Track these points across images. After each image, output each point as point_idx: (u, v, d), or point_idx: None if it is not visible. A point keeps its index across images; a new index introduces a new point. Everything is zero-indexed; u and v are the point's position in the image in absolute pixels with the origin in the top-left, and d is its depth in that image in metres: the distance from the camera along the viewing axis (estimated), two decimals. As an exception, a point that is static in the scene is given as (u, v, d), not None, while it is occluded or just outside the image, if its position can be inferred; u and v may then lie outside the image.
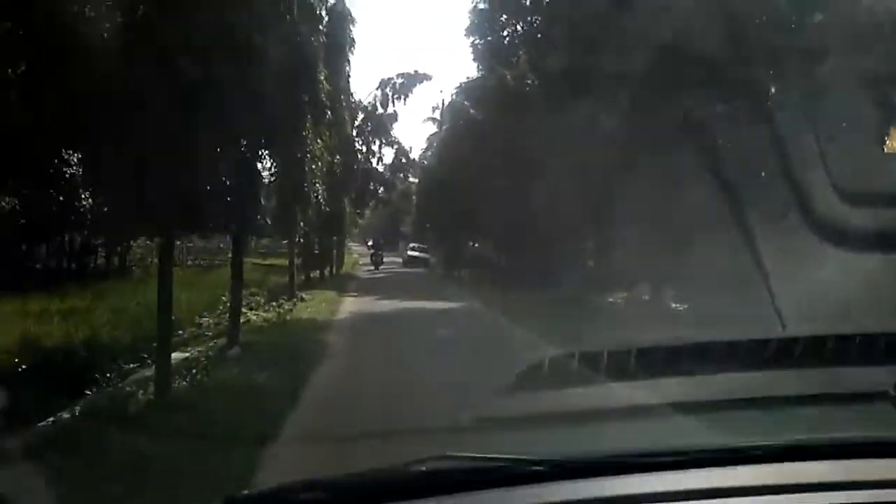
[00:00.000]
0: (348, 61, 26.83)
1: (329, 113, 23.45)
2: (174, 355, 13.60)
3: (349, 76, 27.34)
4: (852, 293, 8.96)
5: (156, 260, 38.62)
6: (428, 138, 51.84)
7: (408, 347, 12.19)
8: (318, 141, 22.96)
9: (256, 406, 7.89)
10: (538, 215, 27.96)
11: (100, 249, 35.23)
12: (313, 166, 21.03)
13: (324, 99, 22.31)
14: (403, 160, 35.42)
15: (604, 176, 16.32)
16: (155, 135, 8.30)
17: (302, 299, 19.85)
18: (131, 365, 14.24)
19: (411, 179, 61.87)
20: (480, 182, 28.99)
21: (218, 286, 26.37)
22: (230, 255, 45.79)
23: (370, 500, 1.53)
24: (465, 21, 31.69)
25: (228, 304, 19.86)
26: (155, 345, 14.90)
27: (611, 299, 26.54)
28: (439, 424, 6.26)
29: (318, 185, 22.92)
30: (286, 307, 18.25)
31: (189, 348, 14.23)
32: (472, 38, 34.54)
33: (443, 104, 53.69)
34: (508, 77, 27.13)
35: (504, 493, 1.56)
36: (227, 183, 11.64)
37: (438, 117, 49.28)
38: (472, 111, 28.55)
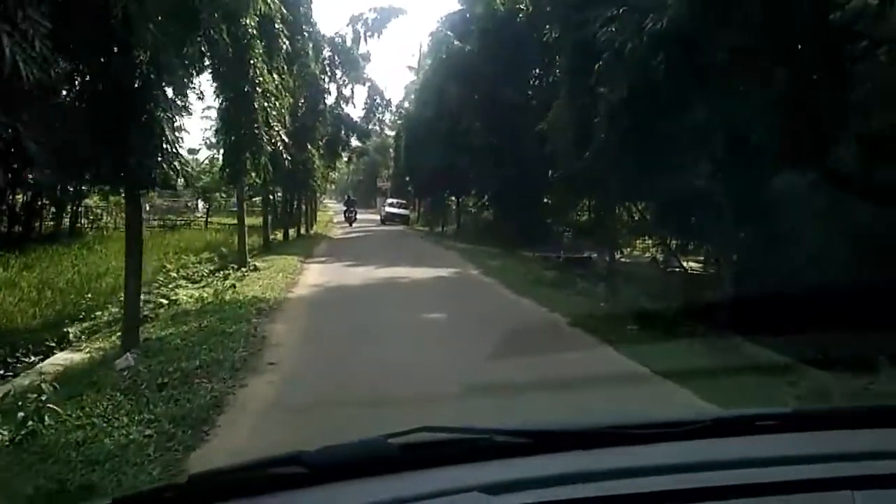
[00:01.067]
0: (310, -18, 22.30)
1: (286, 43, 19.08)
2: (56, 359, 9.58)
3: (311, 2, 22.80)
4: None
5: (115, 219, 34.46)
6: (406, 87, 47.35)
7: (388, 350, 8.02)
8: (274, 76, 18.64)
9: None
10: (531, 165, 23.94)
11: (45, 211, 31.38)
12: (266, 104, 16.69)
13: (277, 25, 18.03)
14: (378, 100, 30.61)
15: (610, 120, 11.99)
16: None
17: (255, 268, 15.66)
18: (31, 358, 10.59)
19: (388, 132, 57.55)
20: (467, 129, 24.75)
21: (171, 250, 22.33)
22: (199, 216, 41.25)
23: (349, 475, 1.40)
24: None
25: (160, 276, 15.83)
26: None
27: (615, 258, 22.91)
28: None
29: (276, 128, 18.62)
30: (231, 280, 14.08)
31: (84, 345, 10.26)
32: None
33: (421, 50, 49.02)
34: (498, 1, 22.63)
35: (486, 466, 1.44)
36: (100, 116, 7.50)
37: (416, 65, 44.80)
38: (457, 43, 24.00)
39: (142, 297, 12.81)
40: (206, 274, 16.12)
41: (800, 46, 8.34)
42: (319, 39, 24.81)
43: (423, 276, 15.32)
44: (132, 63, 7.44)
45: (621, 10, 9.67)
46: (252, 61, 15.26)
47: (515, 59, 21.99)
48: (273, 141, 18.39)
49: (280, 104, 19.01)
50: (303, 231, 30.34)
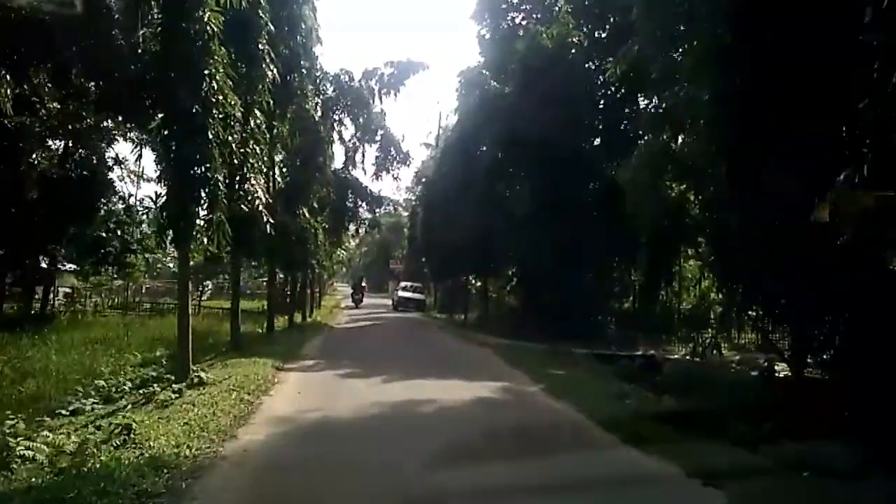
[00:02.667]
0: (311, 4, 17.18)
1: (273, 71, 13.79)
2: None
3: (317, 33, 17.61)
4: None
5: (91, 302, 29.03)
6: (423, 162, 42.37)
7: None
8: (257, 113, 13.33)
9: None
10: (583, 235, 18.46)
11: (9, 292, 26.26)
12: (232, 139, 11.18)
13: (261, 45, 12.85)
14: (393, 152, 24.77)
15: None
16: None
17: (197, 381, 9.75)
18: None
19: (402, 212, 52.45)
20: (504, 193, 19.31)
21: (135, 342, 16.88)
22: (194, 300, 35.64)
23: None
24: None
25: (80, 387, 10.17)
26: None
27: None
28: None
29: (252, 180, 13.14)
30: (151, 406, 8.29)
31: None
32: (479, 26, 25.17)
33: (440, 121, 44.24)
34: (544, 35, 17.37)
35: None
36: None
37: (434, 140, 39.97)
38: (494, 84, 18.68)
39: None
40: (131, 387, 10.26)
41: None
42: (321, 77, 19.52)
43: (460, 398, 9.35)
44: None
45: None
46: (206, 71, 9.83)
47: (568, 102, 16.69)
48: (250, 197, 12.89)
49: (260, 150, 13.60)
50: (301, 318, 24.38)
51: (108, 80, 14.79)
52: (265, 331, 17.84)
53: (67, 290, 36.53)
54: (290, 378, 10.93)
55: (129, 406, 8.74)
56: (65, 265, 31.90)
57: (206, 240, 10.31)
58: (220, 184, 10.19)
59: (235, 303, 14.77)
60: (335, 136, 22.32)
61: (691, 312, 25.61)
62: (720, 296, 26.55)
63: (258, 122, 13.45)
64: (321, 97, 19.68)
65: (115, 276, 35.97)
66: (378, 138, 23.52)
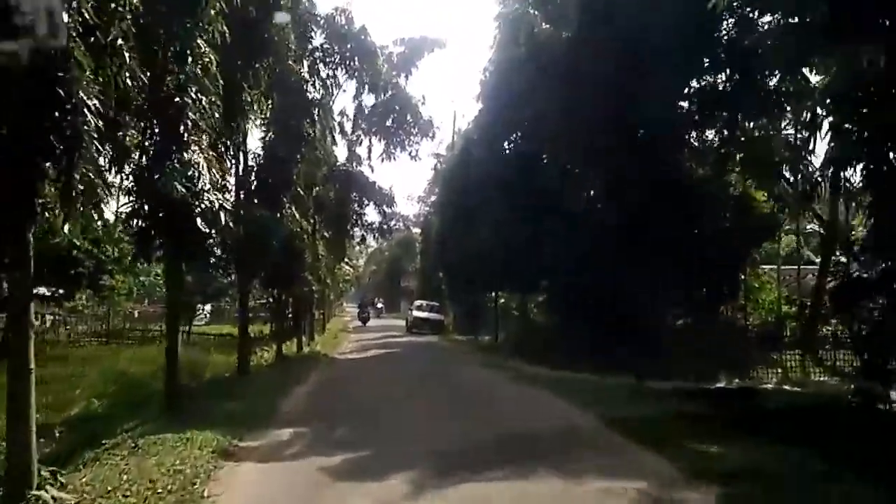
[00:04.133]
0: None
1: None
2: None
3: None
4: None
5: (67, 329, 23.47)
6: (435, 168, 37.49)
7: None
8: (201, 45, 8.42)
9: None
10: (642, 247, 13.74)
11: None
12: (125, 46, 6.11)
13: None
14: (409, 119, 19.09)
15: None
16: None
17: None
18: None
19: (415, 230, 47.59)
20: (560, 181, 14.32)
21: (89, 382, 11.99)
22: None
23: None
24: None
25: None
26: None
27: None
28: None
29: (191, 142, 8.17)
30: None
31: None
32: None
33: (454, 120, 39.24)
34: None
35: None
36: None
37: (445, 152, 34.79)
38: (546, 26, 13.65)
39: None
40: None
41: None
42: (307, 17, 14.44)
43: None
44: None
45: None
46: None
47: (652, 51, 11.65)
48: (190, 172, 7.96)
49: (209, 102, 8.67)
50: (296, 348, 19.27)
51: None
52: (238, 370, 12.58)
53: (50, 316, 31.93)
54: (237, 480, 5.74)
55: None
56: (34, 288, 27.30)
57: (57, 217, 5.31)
58: (88, 108, 5.16)
59: (172, 339, 9.35)
60: (335, 124, 17.35)
61: (761, 331, 21.36)
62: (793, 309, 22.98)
63: (206, 59, 8.50)
64: (308, 45, 14.73)
65: (92, 300, 31.26)
66: (388, 104, 18.12)
